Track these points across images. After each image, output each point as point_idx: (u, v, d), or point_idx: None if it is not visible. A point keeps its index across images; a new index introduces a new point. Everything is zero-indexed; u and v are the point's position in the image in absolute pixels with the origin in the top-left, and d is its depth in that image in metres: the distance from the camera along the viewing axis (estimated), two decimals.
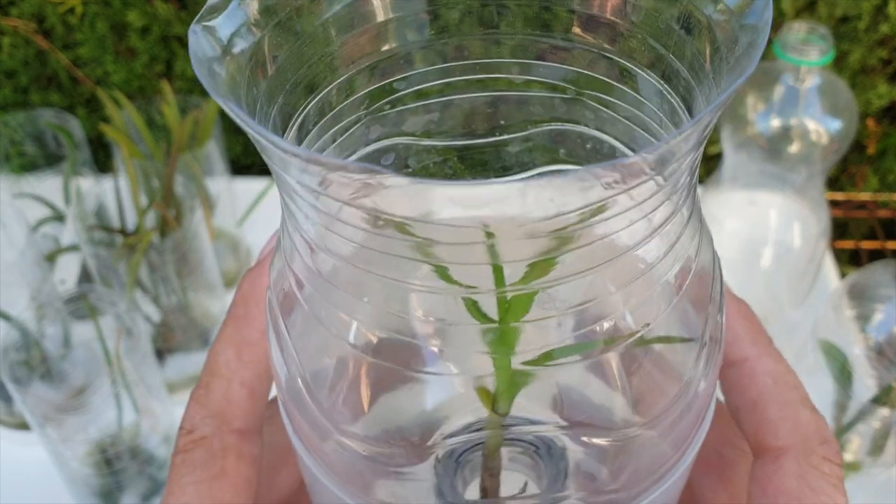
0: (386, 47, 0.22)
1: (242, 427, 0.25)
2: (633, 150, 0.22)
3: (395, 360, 0.20)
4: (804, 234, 0.79)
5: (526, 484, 0.24)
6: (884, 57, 1.05)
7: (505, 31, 0.24)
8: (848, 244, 1.11)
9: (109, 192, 0.78)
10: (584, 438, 0.23)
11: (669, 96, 0.21)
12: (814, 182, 0.77)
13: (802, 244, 0.79)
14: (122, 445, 0.70)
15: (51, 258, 0.88)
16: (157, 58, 1.08)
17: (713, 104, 0.16)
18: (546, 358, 0.20)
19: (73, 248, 0.88)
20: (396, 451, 0.21)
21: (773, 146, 0.74)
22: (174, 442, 0.25)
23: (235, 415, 0.25)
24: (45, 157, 0.91)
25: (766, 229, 0.80)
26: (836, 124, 0.73)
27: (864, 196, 1.14)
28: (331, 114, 0.21)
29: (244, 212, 0.95)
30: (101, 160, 1.16)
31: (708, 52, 0.19)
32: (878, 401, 0.68)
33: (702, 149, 0.18)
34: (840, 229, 1.15)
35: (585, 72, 0.23)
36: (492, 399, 0.21)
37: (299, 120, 0.21)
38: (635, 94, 0.22)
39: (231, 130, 1.13)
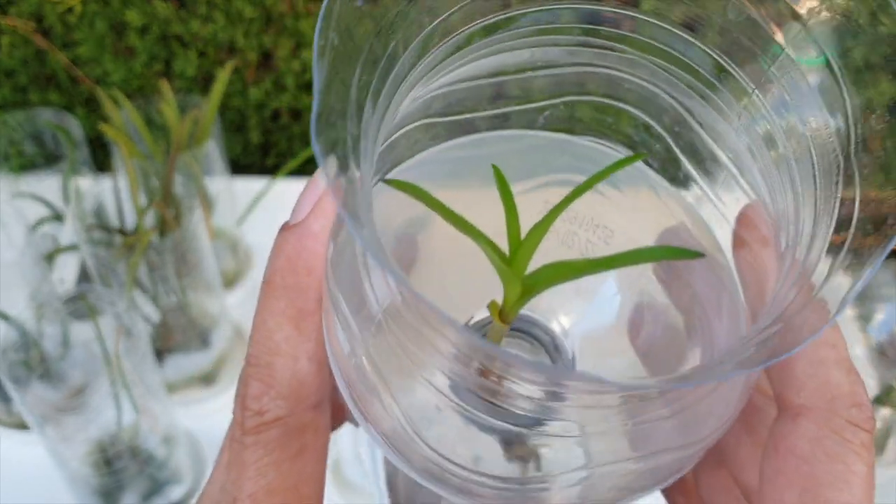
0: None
1: (316, 402, 0.24)
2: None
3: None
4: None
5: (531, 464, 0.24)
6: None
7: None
8: None
9: (108, 192, 0.77)
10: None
11: None
12: None
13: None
14: (122, 445, 0.70)
15: (50, 258, 0.87)
16: (156, 57, 1.08)
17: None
18: (547, 274, 0.21)
19: (72, 247, 0.87)
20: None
21: None
22: (235, 419, 0.25)
23: (309, 392, 0.24)
24: (44, 157, 0.91)
25: None
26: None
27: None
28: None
29: (243, 211, 0.95)
30: (100, 160, 1.16)
31: None
32: (879, 401, 0.68)
33: None
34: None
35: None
36: (498, 310, 0.22)
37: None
38: None
39: (231, 129, 1.13)
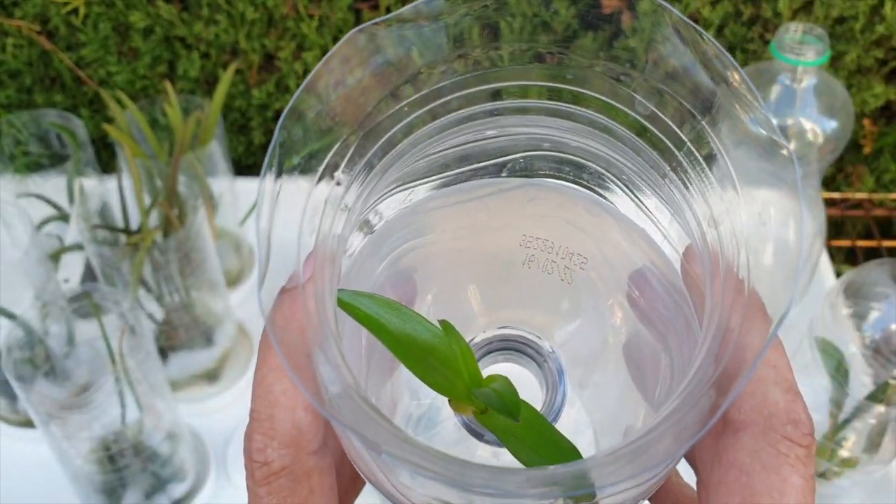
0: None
1: (316, 447, 0.26)
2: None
3: None
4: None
5: None
6: (880, 57, 1.05)
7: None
8: (844, 243, 1.12)
9: (113, 192, 0.78)
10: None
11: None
12: (810, 181, 0.77)
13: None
14: (126, 443, 0.70)
15: (55, 257, 0.88)
16: (159, 58, 1.08)
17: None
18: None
19: (77, 247, 0.88)
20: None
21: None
22: (246, 471, 0.26)
23: (308, 439, 0.26)
24: (49, 157, 0.92)
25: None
26: (832, 124, 0.74)
27: (860, 195, 1.15)
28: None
29: (246, 211, 0.95)
30: (105, 160, 1.17)
31: None
32: (874, 398, 0.68)
33: None
34: (836, 228, 1.16)
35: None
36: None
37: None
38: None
39: (233, 130, 1.14)
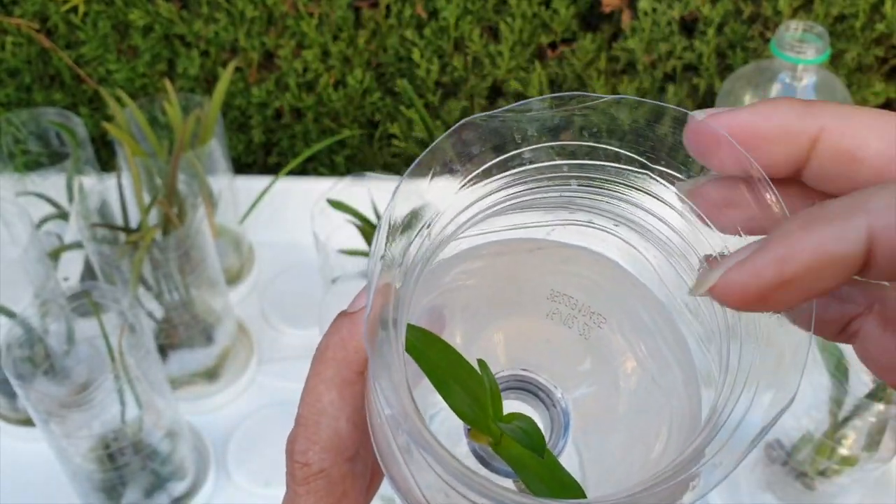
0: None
1: (352, 455, 0.30)
2: None
3: None
4: None
5: None
6: (880, 55, 1.05)
7: None
8: None
9: (112, 190, 0.78)
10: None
11: None
12: None
13: None
14: (126, 441, 0.70)
15: (54, 255, 0.88)
16: (159, 57, 1.08)
17: None
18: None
19: (77, 245, 0.88)
20: None
21: None
22: (287, 470, 0.30)
23: (347, 446, 0.29)
24: (49, 156, 0.92)
25: None
26: None
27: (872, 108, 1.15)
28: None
29: (246, 209, 0.96)
30: (104, 158, 1.17)
31: None
32: (874, 396, 0.68)
33: None
34: None
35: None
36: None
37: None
38: None
39: (233, 129, 1.14)
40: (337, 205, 0.76)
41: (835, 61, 1.05)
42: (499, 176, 0.29)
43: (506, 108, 0.28)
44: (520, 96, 1.10)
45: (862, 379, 0.68)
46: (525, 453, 0.28)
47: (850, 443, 0.72)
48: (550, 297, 0.32)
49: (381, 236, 0.26)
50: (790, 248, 0.22)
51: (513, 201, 0.31)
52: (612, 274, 0.33)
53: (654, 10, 1.01)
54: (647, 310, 0.32)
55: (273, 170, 1.17)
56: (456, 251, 0.32)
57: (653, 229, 0.31)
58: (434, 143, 0.28)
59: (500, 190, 0.30)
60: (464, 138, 0.28)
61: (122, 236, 0.77)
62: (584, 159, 0.29)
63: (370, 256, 0.26)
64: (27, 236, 0.73)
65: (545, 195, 0.31)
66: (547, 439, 0.31)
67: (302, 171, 1.18)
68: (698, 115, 0.27)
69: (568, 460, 0.30)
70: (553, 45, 1.09)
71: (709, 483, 0.23)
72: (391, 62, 1.09)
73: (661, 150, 0.29)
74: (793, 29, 0.72)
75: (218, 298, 0.84)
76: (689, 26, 1.05)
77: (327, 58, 1.09)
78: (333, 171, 1.17)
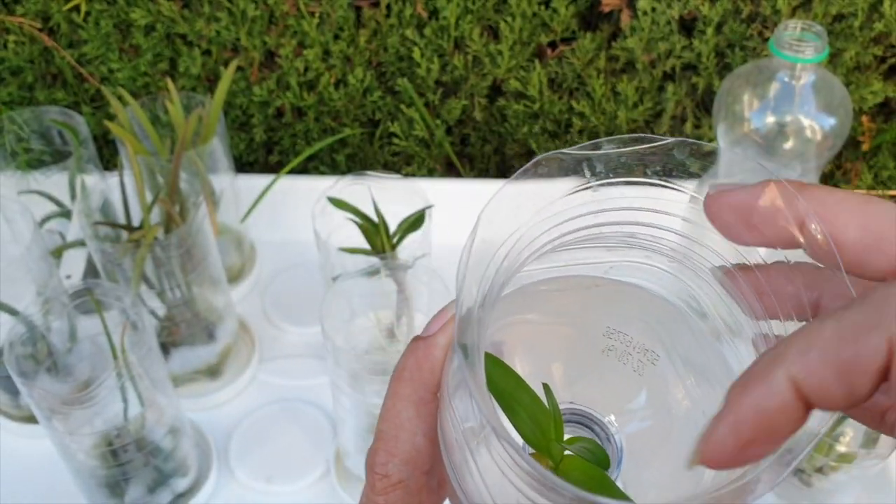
0: None
1: (428, 469, 0.32)
2: None
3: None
4: None
5: None
6: (878, 54, 1.05)
7: None
8: None
9: (115, 189, 0.78)
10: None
11: None
12: (808, 178, 0.78)
13: None
14: (128, 437, 0.71)
15: (57, 253, 0.88)
16: (161, 56, 1.09)
17: None
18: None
19: (79, 243, 0.88)
20: None
21: (769, 143, 0.74)
22: (367, 482, 0.33)
23: (423, 460, 0.32)
24: (51, 154, 0.92)
25: None
26: (830, 121, 0.74)
27: (858, 192, 1.15)
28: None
29: (247, 208, 0.96)
30: (107, 157, 1.17)
31: None
32: None
33: None
34: None
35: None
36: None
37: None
38: None
39: (235, 127, 1.14)
40: (338, 203, 0.76)
41: (833, 60, 1.05)
42: (565, 210, 0.32)
43: (578, 146, 0.31)
44: (519, 95, 1.10)
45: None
46: (585, 477, 0.30)
47: (847, 440, 0.73)
48: (606, 333, 0.35)
49: (464, 262, 0.29)
50: (737, 414, 0.24)
51: (577, 237, 0.33)
52: (666, 311, 0.35)
53: (654, 9, 1.01)
54: (698, 345, 0.35)
55: (274, 168, 1.18)
56: (519, 285, 0.35)
57: (705, 266, 0.34)
58: (514, 175, 0.31)
59: (564, 222, 0.32)
60: (539, 173, 0.31)
61: (125, 234, 0.78)
62: (644, 201, 0.32)
63: (456, 279, 0.29)
64: (30, 234, 0.73)
65: (608, 230, 0.34)
66: None
67: (303, 169, 1.19)
68: (710, 189, 0.30)
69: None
70: (553, 45, 1.10)
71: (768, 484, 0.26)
72: (392, 61, 1.10)
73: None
74: (791, 28, 0.72)
75: (220, 296, 0.84)
76: (688, 25, 1.05)
77: (328, 57, 1.09)
78: (334, 169, 1.17)
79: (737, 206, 0.29)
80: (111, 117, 1.08)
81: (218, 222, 0.93)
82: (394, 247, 0.76)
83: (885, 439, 0.72)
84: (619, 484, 0.33)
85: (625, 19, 1.04)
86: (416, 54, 1.06)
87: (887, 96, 1.08)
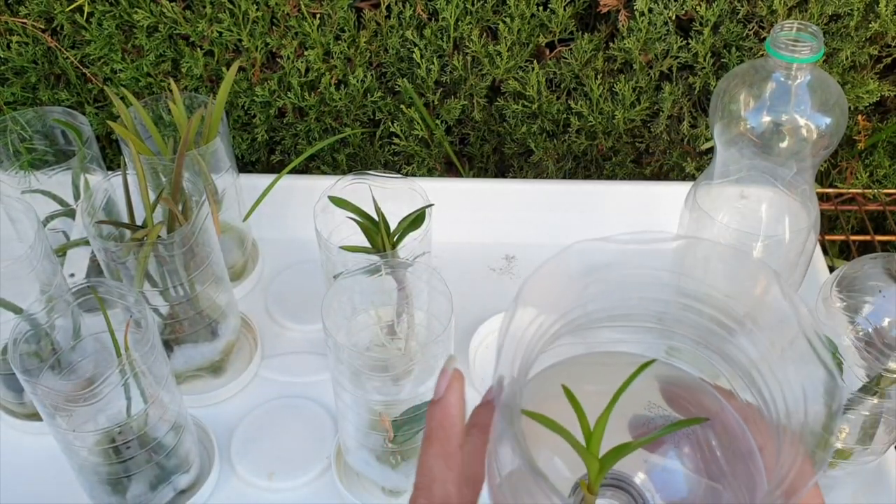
0: None
1: None
2: None
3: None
4: (794, 228, 0.80)
5: None
6: (874, 54, 1.06)
7: None
8: (838, 237, 1.13)
9: (118, 188, 0.78)
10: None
11: None
12: (804, 176, 0.78)
13: (792, 237, 0.80)
14: (131, 434, 0.71)
15: (61, 252, 0.89)
16: (163, 56, 1.09)
17: None
18: (613, 454, 0.36)
19: (83, 242, 0.89)
20: None
21: (765, 142, 0.75)
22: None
23: (453, 503, 0.39)
24: (55, 154, 0.92)
25: (757, 223, 0.81)
26: (826, 120, 0.74)
27: (854, 190, 1.16)
28: None
29: (250, 207, 0.96)
30: (110, 156, 1.18)
31: None
32: (867, 390, 0.69)
33: None
34: (830, 223, 1.17)
35: None
36: (587, 485, 0.37)
37: None
38: None
39: (237, 127, 1.15)
40: (339, 202, 0.77)
41: (829, 60, 1.06)
42: (603, 290, 0.37)
43: (619, 234, 0.36)
44: (518, 95, 1.11)
45: (855, 373, 0.69)
46: None
47: (843, 436, 0.73)
48: (647, 407, 0.40)
49: (504, 330, 0.34)
50: None
51: (611, 314, 0.39)
52: (703, 390, 0.40)
53: (651, 10, 1.02)
54: (728, 424, 0.39)
55: (276, 168, 1.18)
56: (561, 358, 0.40)
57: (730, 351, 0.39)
58: (552, 257, 0.35)
59: (599, 298, 0.38)
60: (576, 249, 0.36)
61: (128, 233, 0.78)
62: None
63: (497, 348, 0.34)
64: (34, 233, 0.74)
65: (639, 308, 0.39)
66: None
67: (304, 169, 1.19)
68: None
69: None
70: (551, 45, 1.10)
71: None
72: (392, 62, 1.10)
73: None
74: (787, 28, 0.73)
75: (222, 294, 0.84)
76: (684, 26, 1.06)
77: (329, 58, 1.09)
78: (335, 169, 1.18)
79: None
80: (114, 117, 1.08)
81: (220, 221, 0.94)
82: (394, 245, 0.77)
83: (880, 435, 0.72)
84: None
85: (622, 20, 1.05)
86: (416, 55, 1.07)
87: (882, 95, 1.09)
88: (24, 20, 1.06)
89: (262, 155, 1.18)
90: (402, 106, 1.12)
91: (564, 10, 1.04)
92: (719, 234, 0.81)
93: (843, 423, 0.73)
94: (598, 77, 1.08)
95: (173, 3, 1.04)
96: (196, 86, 1.11)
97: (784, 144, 0.75)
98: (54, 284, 0.76)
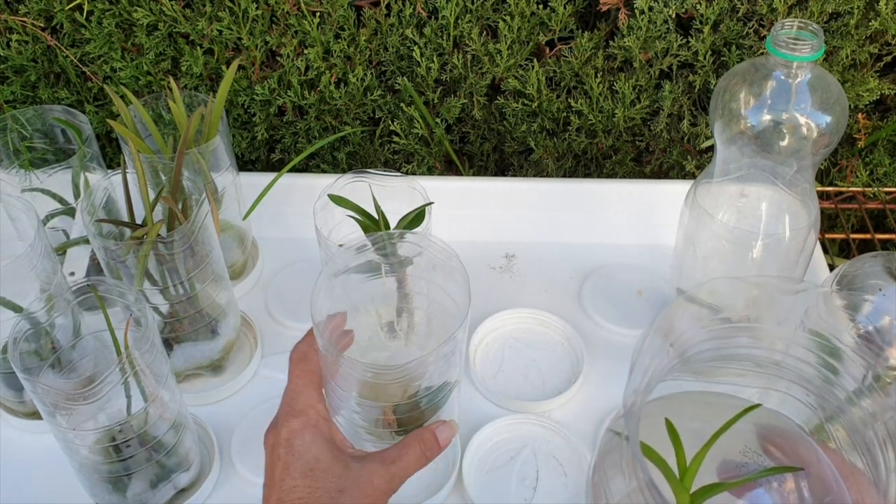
0: None
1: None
2: None
3: None
4: (794, 226, 0.80)
5: None
6: (874, 52, 1.06)
7: None
8: (838, 236, 1.13)
9: (118, 187, 0.78)
10: None
11: None
12: (804, 175, 0.78)
13: (793, 236, 0.80)
14: (131, 433, 0.71)
15: (60, 251, 0.89)
16: (163, 55, 1.09)
17: None
18: (704, 492, 0.39)
19: (83, 240, 0.89)
20: None
21: (765, 140, 0.75)
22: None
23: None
24: (55, 153, 0.92)
25: (757, 221, 0.81)
26: (826, 119, 0.74)
27: (854, 189, 1.16)
28: None
29: (250, 205, 0.96)
30: (110, 155, 1.18)
31: None
32: (864, 390, 0.69)
33: None
34: (830, 221, 1.17)
35: None
36: None
37: None
38: None
39: (237, 126, 1.15)
40: (339, 200, 0.77)
41: (829, 58, 1.06)
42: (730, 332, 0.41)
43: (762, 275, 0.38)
44: (518, 94, 1.11)
45: (852, 373, 0.69)
46: None
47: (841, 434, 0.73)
48: (742, 451, 0.42)
49: (637, 349, 0.36)
50: None
51: (732, 353, 0.41)
52: (801, 440, 0.43)
53: (651, 8, 1.02)
54: (828, 473, 0.42)
55: (276, 166, 1.18)
56: (674, 391, 0.43)
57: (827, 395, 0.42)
58: (689, 291, 0.38)
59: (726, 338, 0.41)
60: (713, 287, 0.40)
61: (128, 232, 0.78)
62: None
63: (630, 367, 0.37)
64: (33, 232, 0.74)
65: (759, 353, 0.42)
66: None
67: (304, 167, 1.19)
68: None
69: None
70: (551, 44, 1.10)
71: None
72: (392, 60, 1.10)
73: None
74: (788, 26, 0.73)
75: (222, 293, 0.84)
76: (684, 24, 1.06)
77: (329, 56, 1.09)
78: (335, 167, 1.18)
79: None
80: (114, 116, 1.08)
81: (220, 219, 0.94)
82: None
83: None
84: None
85: (622, 18, 1.05)
86: (416, 53, 1.07)
87: (883, 94, 1.09)
88: (24, 19, 1.06)
89: (261, 153, 1.18)
90: (401, 104, 1.12)
91: (564, 8, 1.04)
92: (719, 232, 0.81)
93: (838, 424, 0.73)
94: (598, 75, 1.08)
95: (173, 2, 1.04)
96: (196, 84, 1.11)
97: (784, 143, 0.75)
98: (54, 283, 0.76)
